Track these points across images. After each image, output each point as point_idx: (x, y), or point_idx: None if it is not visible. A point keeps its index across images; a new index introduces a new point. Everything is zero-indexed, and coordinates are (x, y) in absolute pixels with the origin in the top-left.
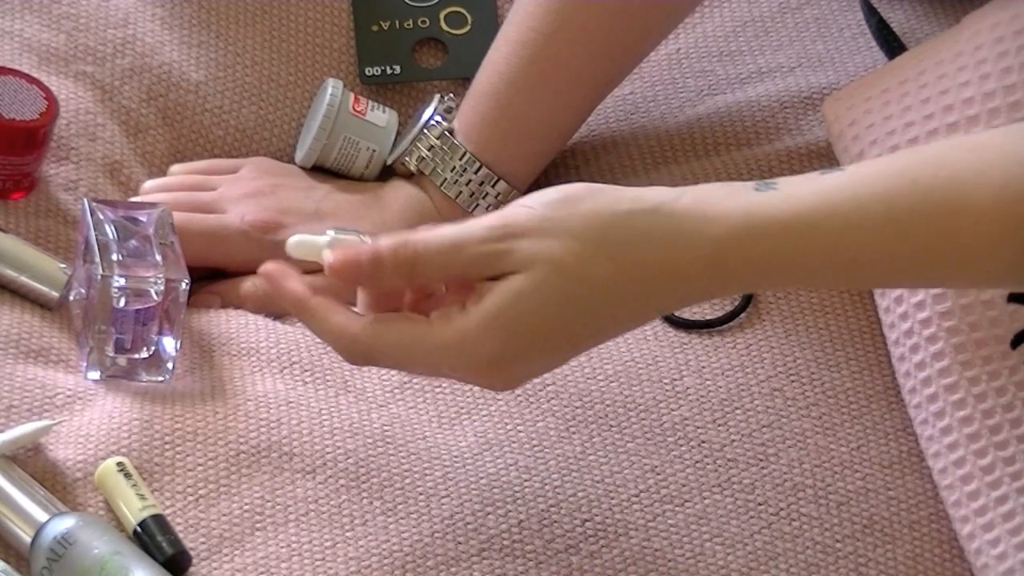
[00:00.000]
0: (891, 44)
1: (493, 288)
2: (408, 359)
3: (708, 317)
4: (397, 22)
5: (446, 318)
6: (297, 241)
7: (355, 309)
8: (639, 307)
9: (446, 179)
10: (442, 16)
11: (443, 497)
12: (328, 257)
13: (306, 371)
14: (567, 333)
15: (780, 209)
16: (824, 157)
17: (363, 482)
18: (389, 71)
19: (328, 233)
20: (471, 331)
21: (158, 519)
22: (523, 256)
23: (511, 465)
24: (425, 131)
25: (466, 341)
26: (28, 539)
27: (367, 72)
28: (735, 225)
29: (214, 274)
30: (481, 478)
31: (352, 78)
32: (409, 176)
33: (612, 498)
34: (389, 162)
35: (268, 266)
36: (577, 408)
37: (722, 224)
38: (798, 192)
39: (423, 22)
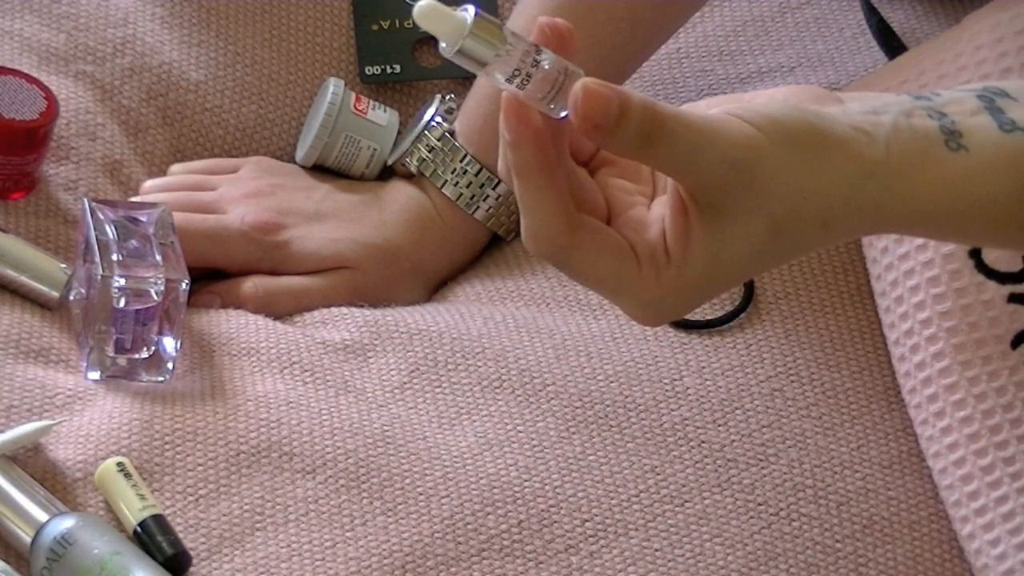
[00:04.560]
0: (891, 44)
1: (702, 245)
2: (599, 287)
3: (708, 317)
4: (397, 21)
5: (654, 268)
6: (427, 9)
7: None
8: (814, 248)
9: (446, 180)
10: None
11: (443, 497)
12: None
13: (306, 371)
14: (748, 277)
15: (977, 184)
16: None
17: (363, 482)
18: (389, 70)
19: (467, 8)
20: (675, 291)
21: (158, 519)
22: (748, 201)
23: (511, 465)
24: (426, 132)
25: (666, 299)
26: (28, 539)
27: (367, 71)
28: (936, 198)
29: (214, 274)
30: (481, 478)
31: (352, 77)
32: (409, 177)
33: (612, 498)
34: (390, 163)
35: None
36: (577, 408)
37: (923, 198)
38: (993, 164)
39: None
